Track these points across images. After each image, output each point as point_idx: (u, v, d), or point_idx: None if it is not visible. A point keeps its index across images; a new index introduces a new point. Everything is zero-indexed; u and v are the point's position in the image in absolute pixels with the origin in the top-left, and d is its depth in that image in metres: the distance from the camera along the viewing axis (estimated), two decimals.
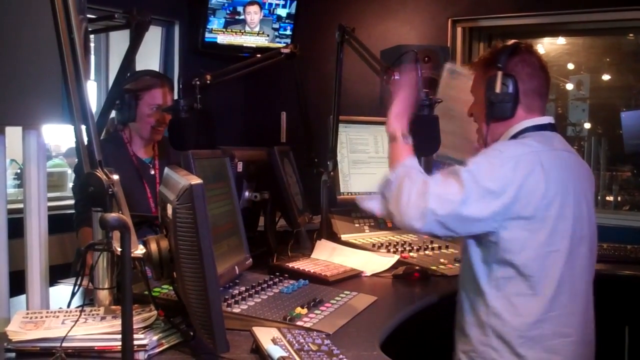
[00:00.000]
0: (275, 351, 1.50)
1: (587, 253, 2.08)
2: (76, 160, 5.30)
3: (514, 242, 1.96)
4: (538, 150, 1.99)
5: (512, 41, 2.17)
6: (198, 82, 2.72)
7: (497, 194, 1.91)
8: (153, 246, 1.60)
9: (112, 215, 1.36)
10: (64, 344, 1.55)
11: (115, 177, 1.53)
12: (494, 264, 2.00)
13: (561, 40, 4.79)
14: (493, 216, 1.93)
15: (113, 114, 3.00)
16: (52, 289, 1.97)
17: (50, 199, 1.93)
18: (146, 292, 1.70)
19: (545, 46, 4.81)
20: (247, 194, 2.81)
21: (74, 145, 5.71)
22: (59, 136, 5.18)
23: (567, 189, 2.00)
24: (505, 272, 1.99)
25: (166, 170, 1.77)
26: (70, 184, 4.46)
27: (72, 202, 4.06)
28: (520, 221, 1.94)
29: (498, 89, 2.07)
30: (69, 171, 4.58)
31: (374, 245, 2.91)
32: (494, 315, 2.00)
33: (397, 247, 2.87)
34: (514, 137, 2.10)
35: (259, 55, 3.21)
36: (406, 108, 2.19)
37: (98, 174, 1.51)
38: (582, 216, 2.05)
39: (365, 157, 3.19)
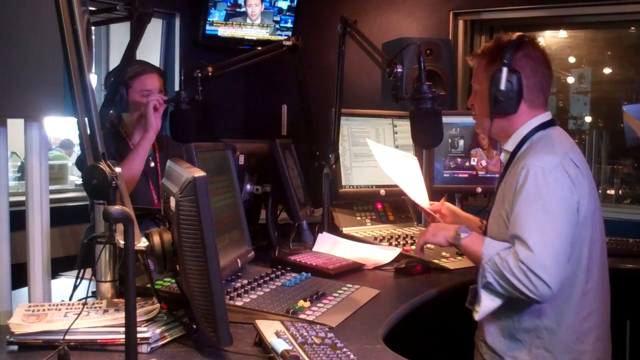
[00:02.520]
0: (279, 344, 1.49)
1: (605, 238, 2.16)
2: (74, 150, 5.30)
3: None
4: (566, 152, 2.03)
5: (516, 34, 2.14)
6: (200, 74, 2.71)
7: (572, 211, 1.95)
8: (156, 239, 1.60)
9: (116, 208, 1.36)
10: (66, 337, 1.55)
11: (118, 169, 1.52)
12: None
13: (563, 34, 4.78)
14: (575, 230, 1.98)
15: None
16: (53, 282, 1.97)
17: (51, 192, 1.92)
18: (149, 285, 1.70)
19: (547, 39, 4.80)
20: (248, 186, 2.81)
21: (70, 136, 5.70)
22: (56, 127, 5.15)
23: (592, 181, 2.08)
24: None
25: (169, 162, 1.76)
26: (71, 177, 4.46)
27: (73, 194, 4.07)
28: (579, 224, 1.99)
29: (503, 86, 2.06)
30: (70, 164, 4.58)
31: (375, 238, 2.91)
32: (546, 316, 2.02)
33: (399, 240, 2.86)
34: (525, 138, 2.11)
35: (259, 48, 3.21)
36: (439, 229, 2.22)
37: (101, 166, 1.50)
38: (598, 205, 2.12)
39: (367, 150, 3.17)
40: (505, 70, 2.06)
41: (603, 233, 2.14)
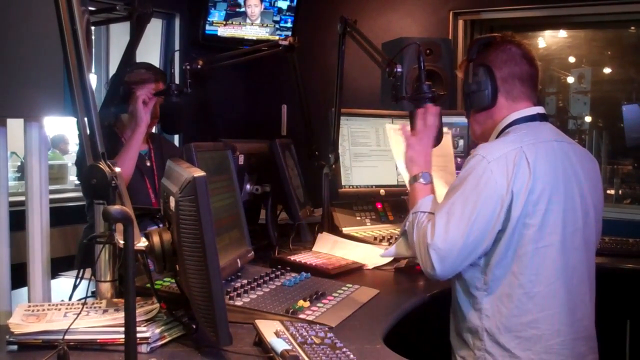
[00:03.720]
0: (278, 344, 1.49)
1: (583, 246, 2.01)
2: (69, 149, 5.29)
3: (504, 242, 1.93)
4: (521, 145, 1.93)
5: (487, 34, 2.20)
6: (189, 67, 2.73)
7: (492, 202, 1.88)
8: (155, 239, 1.60)
9: (115, 208, 1.36)
10: (66, 337, 1.55)
11: (118, 169, 1.52)
12: (484, 267, 1.97)
13: (562, 33, 4.78)
14: (499, 227, 1.91)
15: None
16: (53, 282, 1.97)
17: (51, 192, 1.92)
18: (148, 285, 1.70)
19: (547, 39, 4.80)
20: (248, 186, 2.81)
21: (59, 133, 5.67)
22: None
23: (557, 180, 1.95)
24: (494, 274, 1.95)
25: (168, 162, 1.76)
26: (71, 177, 4.46)
27: (73, 194, 4.08)
28: (513, 221, 1.90)
29: (470, 79, 2.08)
30: (70, 164, 4.58)
31: (375, 238, 2.91)
32: (487, 318, 1.96)
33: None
34: (502, 132, 2.06)
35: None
36: (423, 151, 2.17)
37: (101, 166, 1.50)
38: (575, 207, 1.99)
39: (367, 150, 3.18)
40: (471, 65, 2.09)
41: (574, 239, 1.98)
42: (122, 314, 1.37)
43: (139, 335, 1.49)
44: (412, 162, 2.17)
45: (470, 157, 1.97)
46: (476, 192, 1.89)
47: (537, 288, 1.93)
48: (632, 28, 4.49)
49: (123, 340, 1.37)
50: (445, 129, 2.53)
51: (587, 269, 2.04)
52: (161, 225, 1.71)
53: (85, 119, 1.57)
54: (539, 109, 2.10)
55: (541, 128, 2.06)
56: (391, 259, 2.61)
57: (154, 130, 3.14)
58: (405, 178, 2.33)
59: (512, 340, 1.93)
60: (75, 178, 4.25)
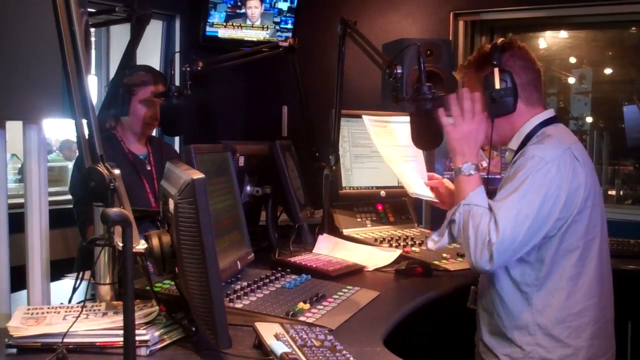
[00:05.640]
0: (278, 347, 1.49)
1: (607, 237, 2.17)
2: (71, 152, 5.28)
3: (558, 239, 2.02)
4: (569, 146, 2.05)
5: (500, 39, 2.18)
6: (189, 68, 2.72)
7: (550, 203, 1.96)
8: (155, 241, 1.59)
9: (114, 210, 1.35)
10: (65, 340, 1.54)
11: (117, 171, 1.52)
12: (535, 263, 2.04)
13: (563, 34, 4.77)
14: (553, 225, 1.99)
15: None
16: (56, 284, 1.97)
17: (52, 194, 1.92)
18: (148, 288, 1.70)
19: (547, 40, 4.79)
20: (248, 188, 2.80)
21: (66, 138, 5.68)
22: (55, 129, 5.13)
23: (594, 177, 2.09)
24: (546, 270, 2.03)
25: (168, 164, 1.76)
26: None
27: None
28: (569, 218, 2.00)
29: (497, 85, 2.08)
30: (70, 165, 4.58)
31: (376, 239, 2.90)
32: (538, 312, 2.03)
33: (399, 242, 2.86)
34: (529, 135, 2.12)
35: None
36: (463, 139, 2.12)
37: (99, 168, 1.49)
38: (602, 201, 2.13)
39: (368, 152, 3.18)
40: (496, 70, 2.08)
41: (605, 231, 2.15)
42: (121, 317, 1.36)
43: (138, 338, 1.49)
44: (453, 153, 2.15)
45: (526, 159, 2.02)
46: (537, 191, 1.96)
47: (583, 279, 2.04)
48: (633, 28, 4.49)
49: (122, 343, 1.37)
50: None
51: (609, 257, 2.20)
52: (161, 228, 1.70)
53: (84, 121, 1.56)
54: (553, 112, 2.20)
55: (565, 130, 2.20)
56: (392, 260, 2.61)
57: (154, 133, 3.14)
58: (399, 176, 2.33)
59: (564, 331, 2.03)
60: None
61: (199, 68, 2.77)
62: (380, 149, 2.85)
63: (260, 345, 1.59)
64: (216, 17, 4.28)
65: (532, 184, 1.96)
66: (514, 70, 2.10)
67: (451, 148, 2.15)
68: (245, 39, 4.39)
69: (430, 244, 2.16)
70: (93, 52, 4.24)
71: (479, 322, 2.20)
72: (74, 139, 6.29)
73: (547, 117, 2.15)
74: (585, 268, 2.05)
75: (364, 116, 2.96)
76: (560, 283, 2.03)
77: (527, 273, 2.05)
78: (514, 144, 2.17)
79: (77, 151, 6.47)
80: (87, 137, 1.56)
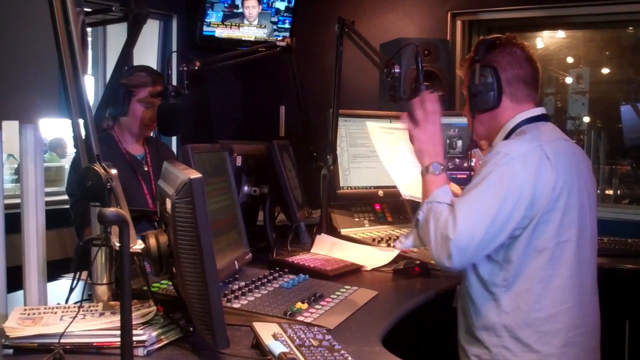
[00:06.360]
0: (276, 347, 1.48)
1: (591, 242, 2.08)
2: (66, 152, 5.26)
3: (525, 238, 1.96)
4: (540, 143, 1.98)
5: (492, 36, 2.18)
6: (186, 68, 2.72)
7: (513, 200, 1.90)
8: (152, 241, 1.59)
9: (111, 210, 1.35)
10: (62, 340, 1.53)
11: (114, 171, 1.51)
12: (503, 263, 1.99)
13: (561, 34, 4.77)
14: (518, 224, 1.94)
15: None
16: (53, 284, 1.96)
17: (49, 194, 1.91)
18: (145, 288, 1.69)
19: (545, 40, 4.79)
20: (246, 188, 2.80)
21: (55, 137, 5.64)
22: (45, 128, 5.13)
23: (572, 177, 2.01)
24: (514, 270, 1.97)
25: (165, 164, 1.75)
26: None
27: None
28: (535, 217, 1.94)
29: (477, 79, 2.08)
30: (66, 165, 4.57)
31: (374, 239, 2.90)
32: (506, 314, 1.99)
33: (397, 242, 2.85)
34: (511, 132, 2.09)
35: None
36: (430, 140, 2.13)
37: (96, 168, 1.49)
38: (584, 204, 2.05)
39: (365, 151, 3.18)
40: (477, 65, 2.09)
41: (585, 234, 2.05)
42: (118, 317, 1.36)
43: (135, 338, 1.48)
44: (420, 154, 2.14)
45: (491, 154, 1.99)
46: (499, 187, 1.92)
47: (555, 282, 1.97)
48: (631, 28, 4.48)
49: (119, 343, 1.36)
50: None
51: (594, 265, 2.12)
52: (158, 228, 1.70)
53: (81, 120, 1.55)
54: (542, 110, 2.15)
55: (550, 128, 2.12)
56: (390, 260, 2.61)
57: (151, 134, 3.13)
58: (394, 179, 2.33)
59: (532, 335, 1.97)
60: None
61: (196, 68, 2.77)
62: (379, 151, 2.83)
63: (258, 345, 1.59)
64: (213, 16, 4.27)
65: (494, 179, 1.92)
66: (501, 65, 2.08)
67: (418, 149, 2.15)
68: (243, 38, 4.38)
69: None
70: (90, 52, 4.23)
71: (458, 321, 2.18)
72: (65, 137, 6.31)
73: (533, 115, 2.10)
74: (557, 271, 1.97)
75: (368, 123, 2.94)
76: (529, 285, 1.97)
77: (496, 273, 2.00)
78: (497, 141, 2.14)
79: (68, 149, 6.48)
80: (83, 136, 1.55)
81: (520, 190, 1.91)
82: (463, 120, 3.21)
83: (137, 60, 3.95)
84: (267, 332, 1.60)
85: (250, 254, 2.36)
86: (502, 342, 1.98)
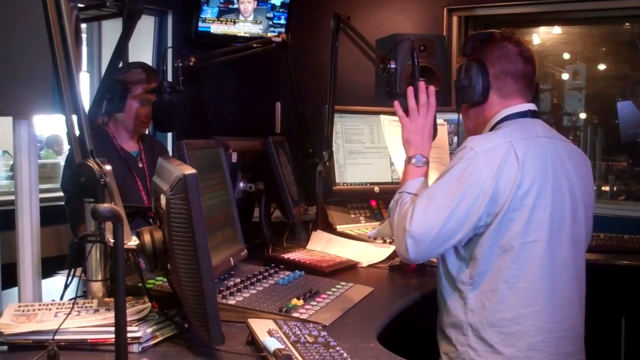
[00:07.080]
0: (271, 343, 1.48)
1: (570, 243, 1.99)
2: (62, 149, 5.25)
3: (489, 236, 1.91)
4: (511, 139, 1.93)
5: (486, 30, 2.18)
6: (181, 64, 2.72)
7: (474, 194, 1.87)
8: (146, 237, 1.58)
9: (105, 206, 1.34)
10: (56, 337, 1.53)
11: (108, 167, 1.51)
12: (469, 260, 1.96)
13: (557, 30, 4.77)
14: (479, 220, 1.89)
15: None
16: (48, 281, 1.95)
17: (43, 191, 1.91)
18: (140, 284, 1.69)
19: (541, 35, 4.79)
20: (241, 184, 2.80)
21: (52, 133, 5.62)
22: (39, 126, 5.11)
23: (545, 176, 1.93)
24: (480, 268, 1.93)
25: (159, 160, 1.74)
26: None
27: None
28: (499, 215, 1.89)
29: (463, 74, 2.08)
30: (62, 162, 4.55)
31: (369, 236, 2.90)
32: (472, 313, 1.95)
33: (393, 238, 2.85)
34: (494, 127, 2.06)
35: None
36: (418, 131, 2.14)
37: (90, 163, 1.48)
38: (564, 204, 1.97)
39: (361, 147, 3.17)
40: (465, 60, 2.09)
41: (561, 235, 1.96)
42: (113, 314, 1.35)
43: (130, 334, 1.48)
44: (407, 144, 2.15)
45: (459, 148, 1.97)
46: (460, 181, 1.89)
47: (521, 284, 1.91)
48: (627, 24, 4.49)
49: (114, 340, 1.35)
50: (440, 121, 2.53)
51: (576, 268, 2.02)
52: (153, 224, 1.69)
53: (74, 116, 1.55)
54: (530, 106, 2.09)
55: (532, 124, 2.05)
56: (386, 256, 2.61)
57: (146, 131, 3.12)
58: (399, 171, 2.32)
59: (496, 336, 1.92)
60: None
61: (192, 64, 2.76)
62: (389, 144, 2.78)
63: (253, 341, 1.58)
64: (208, 12, 4.25)
65: (456, 173, 1.90)
66: (489, 60, 2.05)
67: (405, 139, 2.16)
68: (238, 34, 4.37)
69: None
70: (85, 48, 4.22)
71: None
72: (61, 134, 6.29)
73: (518, 111, 2.05)
74: (524, 272, 1.90)
75: (382, 116, 2.92)
76: (495, 285, 1.91)
77: (463, 270, 1.97)
78: None
79: (64, 146, 6.47)
80: (77, 132, 1.54)
81: (482, 185, 1.87)
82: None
83: (133, 57, 3.94)
84: (263, 328, 1.60)
85: (246, 250, 2.35)
86: (468, 341, 1.95)
